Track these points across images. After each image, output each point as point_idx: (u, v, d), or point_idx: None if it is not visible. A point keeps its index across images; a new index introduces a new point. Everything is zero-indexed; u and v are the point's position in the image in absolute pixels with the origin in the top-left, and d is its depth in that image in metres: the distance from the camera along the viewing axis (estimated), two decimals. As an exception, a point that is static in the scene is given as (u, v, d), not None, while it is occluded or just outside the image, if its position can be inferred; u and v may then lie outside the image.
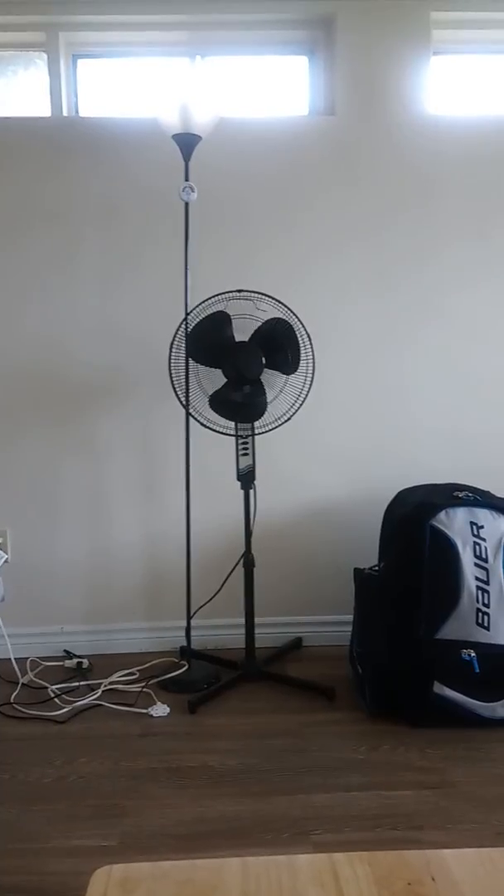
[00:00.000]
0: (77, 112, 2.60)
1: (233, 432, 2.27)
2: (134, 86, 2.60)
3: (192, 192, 2.22)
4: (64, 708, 2.16)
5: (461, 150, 2.50)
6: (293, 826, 1.63)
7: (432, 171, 2.51)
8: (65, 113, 2.55)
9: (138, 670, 2.40)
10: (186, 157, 2.23)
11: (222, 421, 2.24)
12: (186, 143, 2.21)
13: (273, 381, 2.26)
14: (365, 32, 2.45)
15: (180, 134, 2.19)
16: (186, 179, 2.23)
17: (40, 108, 2.56)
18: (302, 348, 2.22)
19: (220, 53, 2.60)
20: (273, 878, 0.67)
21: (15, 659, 2.38)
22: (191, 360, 2.23)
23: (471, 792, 1.74)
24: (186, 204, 2.25)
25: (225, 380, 2.21)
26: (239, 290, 2.24)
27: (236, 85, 2.62)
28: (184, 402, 2.25)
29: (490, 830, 1.61)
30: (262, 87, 2.62)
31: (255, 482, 2.34)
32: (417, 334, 2.56)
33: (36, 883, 1.45)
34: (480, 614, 2.00)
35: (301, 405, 2.26)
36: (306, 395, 2.26)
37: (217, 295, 2.24)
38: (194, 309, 2.23)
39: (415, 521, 2.09)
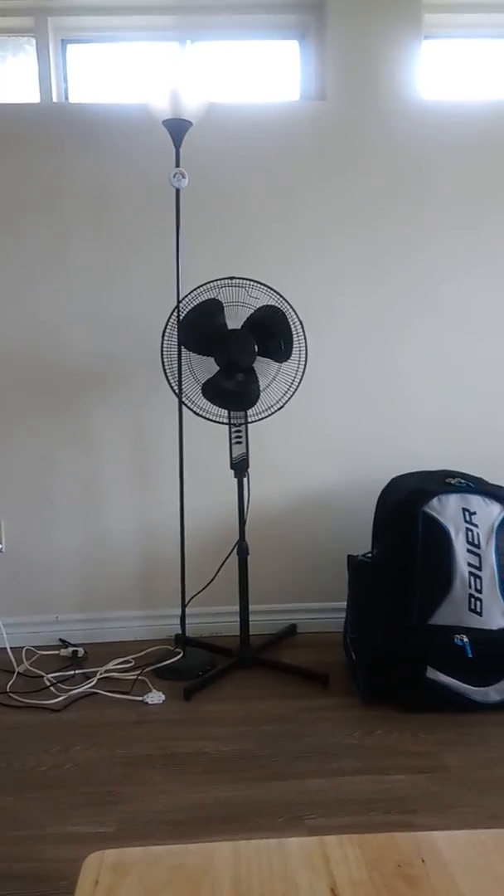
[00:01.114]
0: (67, 98, 2.58)
1: (226, 421, 2.27)
2: (124, 71, 2.58)
3: (184, 178, 2.21)
4: (60, 696, 2.16)
5: (453, 136, 2.49)
6: (288, 811, 1.64)
7: (424, 156, 2.49)
8: (54, 99, 2.52)
9: (133, 658, 2.40)
10: (177, 143, 2.21)
11: (215, 409, 2.23)
12: (177, 128, 2.19)
13: (266, 368, 2.25)
14: (356, 16, 2.43)
15: (171, 119, 2.17)
16: (177, 165, 2.22)
17: (30, 94, 2.54)
18: (294, 336, 2.22)
19: (210, 38, 2.58)
20: (264, 862, 0.68)
21: (10, 648, 2.39)
22: (183, 349, 2.22)
23: (464, 776, 1.76)
24: (177, 190, 2.24)
25: (217, 368, 2.20)
26: (231, 278, 2.23)
27: (227, 70, 2.59)
28: (177, 391, 2.25)
29: (483, 813, 1.63)
30: (253, 72, 2.60)
31: (249, 470, 2.34)
32: (410, 321, 2.55)
33: (33, 869, 1.47)
34: (473, 600, 2.01)
35: (294, 393, 2.26)
36: (299, 383, 2.26)
37: (209, 282, 2.23)
38: (186, 296, 2.23)
39: (408, 507, 2.09)
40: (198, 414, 2.25)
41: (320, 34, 2.51)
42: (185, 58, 2.58)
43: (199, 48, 2.58)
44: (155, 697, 2.14)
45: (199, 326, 2.20)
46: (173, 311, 2.24)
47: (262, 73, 2.60)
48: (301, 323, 2.24)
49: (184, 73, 2.14)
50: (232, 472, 2.32)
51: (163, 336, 2.24)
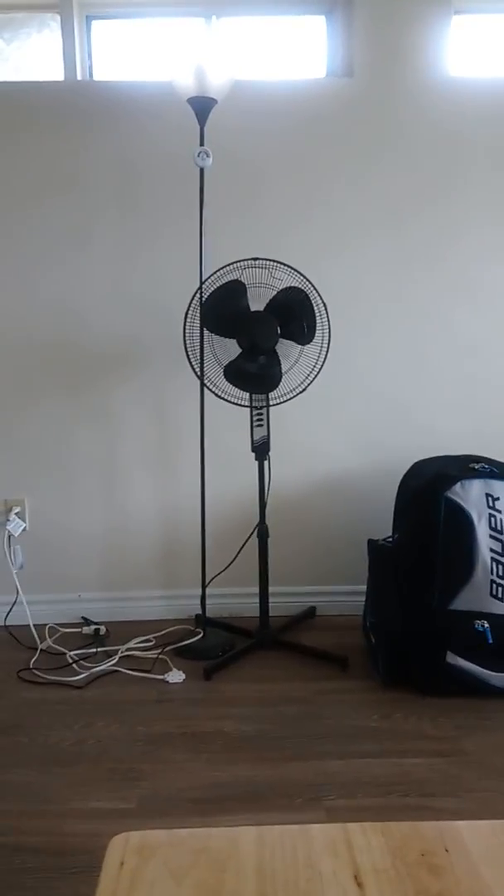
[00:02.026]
0: (91, 75, 2.56)
1: (247, 403, 2.26)
2: (149, 47, 2.55)
3: (208, 157, 2.18)
4: (82, 673, 2.19)
5: (484, 114, 2.43)
6: (306, 791, 1.66)
7: (455, 134, 2.44)
8: (79, 76, 2.50)
9: (154, 637, 2.43)
10: (202, 122, 2.19)
11: (237, 392, 2.23)
12: (202, 106, 2.17)
13: (288, 351, 2.24)
14: (385, -10, 2.38)
15: (195, 97, 2.15)
16: (202, 144, 2.19)
17: (54, 71, 2.52)
18: (318, 318, 2.20)
19: (236, 13, 2.54)
20: (288, 847, 0.69)
21: (34, 625, 2.42)
22: (205, 330, 2.21)
23: (482, 760, 1.76)
24: (202, 169, 2.22)
25: (240, 350, 2.19)
26: (254, 259, 2.22)
27: (252, 46, 2.55)
28: (198, 373, 2.24)
29: (501, 798, 1.63)
30: (279, 48, 2.56)
31: (270, 453, 2.34)
32: (436, 305, 2.52)
33: (56, 844, 1.50)
34: (494, 586, 2.00)
35: (316, 376, 2.25)
36: (321, 366, 2.24)
37: (232, 263, 2.21)
38: (209, 278, 2.21)
39: (430, 492, 2.08)
40: (219, 396, 2.25)
41: (348, 9, 2.45)
42: (211, 34, 2.54)
43: (225, 24, 2.54)
44: (175, 676, 2.17)
45: (222, 308, 2.18)
46: (196, 292, 2.23)
47: (288, 50, 2.56)
48: (325, 305, 2.22)
49: (209, 50, 2.11)
50: (253, 454, 2.32)
51: (185, 318, 2.23)
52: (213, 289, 2.20)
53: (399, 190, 2.47)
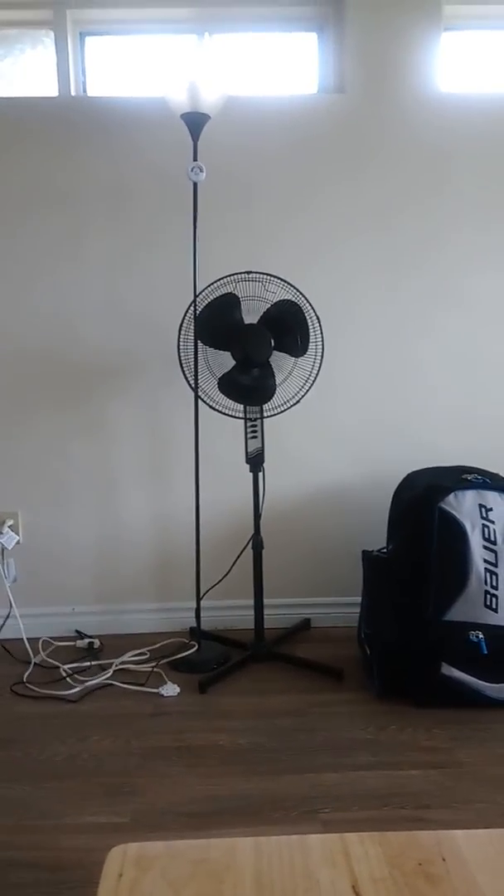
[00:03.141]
0: (85, 91, 2.58)
1: (242, 415, 2.27)
2: (142, 64, 2.57)
3: (201, 172, 2.20)
4: (76, 687, 2.18)
5: (474, 129, 2.47)
6: (302, 804, 1.65)
7: (445, 149, 2.48)
8: (72, 92, 2.52)
9: (149, 650, 2.42)
10: (195, 137, 2.21)
11: (231, 404, 2.24)
12: (195, 122, 2.19)
13: (282, 363, 2.25)
14: (375, 8, 2.41)
15: (189, 113, 2.17)
16: (195, 159, 2.21)
17: (48, 87, 2.54)
18: (311, 330, 2.21)
19: (229, 30, 2.57)
20: (285, 858, 0.69)
21: (27, 639, 2.41)
22: (199, 343, 2.22)
23: (477, 772, 1.76)
24: (195, 184, 2.24)
25: (234, 362, 2.20)
26: (248, 272, 2.23)
27: (245, 63, 2.58)
28: (193, 385, 2.25)
29: (496, 810, 1.63)
30: (271, 65, 2.59)
31: (264, 465, 2.34)
32: (428, 316, 2.54)
33: (51, 859, 1.48)
34: (488, 596, 2.01)
35: (310, 388, 2.26)
36: (315, 378, 2.26)
37: (226, 276, 2.22)
38: (203, 291, 2.23)
39: (423, 503, 2.09)
40: (213, 408, 2.25)
41: (339, 26, 2.49)
42: (203, 51, 2.57)
43: (217, 41, 2.57)
44: (170, 689, 2.16)
45: (216, 321, 2.20)
46: (190, 305, 2.24)
47: (280, 66, 2.59)
48: (318, 318, 2.23)
49: (202, 67, 2.13)
50: (247, 466, 2.32)
51: (179, 330, 2.24)
52: (207, 301, 2.21)
53: (391, 204, 2.49)
